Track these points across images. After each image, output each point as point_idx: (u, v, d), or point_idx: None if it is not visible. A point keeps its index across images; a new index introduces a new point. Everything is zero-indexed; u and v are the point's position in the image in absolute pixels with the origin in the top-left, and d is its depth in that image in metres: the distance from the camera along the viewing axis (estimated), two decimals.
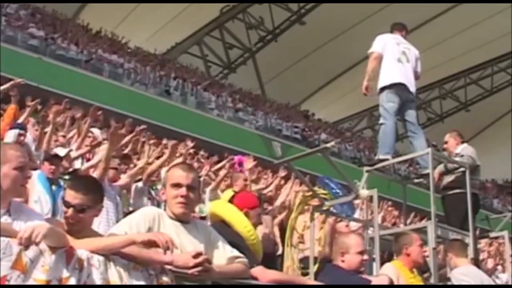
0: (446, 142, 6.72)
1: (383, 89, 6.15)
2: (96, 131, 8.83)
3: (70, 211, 2.74)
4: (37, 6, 21.51)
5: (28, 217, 2.58)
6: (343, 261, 3.78)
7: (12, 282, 2.20)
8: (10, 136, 6.93)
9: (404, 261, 4.40)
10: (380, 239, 5.37)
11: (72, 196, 2.75)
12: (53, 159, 6.07)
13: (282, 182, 8.84)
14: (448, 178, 6.37)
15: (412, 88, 6.24)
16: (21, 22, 18.53)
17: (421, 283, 4.49)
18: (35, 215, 2.69)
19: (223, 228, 3.22)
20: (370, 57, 6.23)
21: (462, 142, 6.70)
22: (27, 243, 2.22)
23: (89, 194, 2.78)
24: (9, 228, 2.39)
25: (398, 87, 6.11)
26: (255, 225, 3.44)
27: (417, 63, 6.40)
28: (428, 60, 24.57)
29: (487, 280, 4.75)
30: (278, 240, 7.02)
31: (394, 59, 6.18)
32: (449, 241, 5.23)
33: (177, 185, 2.86)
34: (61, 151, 6.57)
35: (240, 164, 9.39)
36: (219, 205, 3.64)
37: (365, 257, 3.84)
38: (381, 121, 6.20)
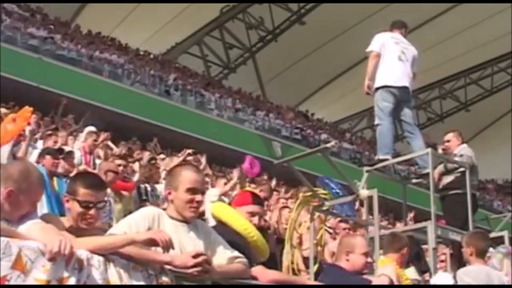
0: (448, 141, 6.66)
1: (378, 87, 6.13)
2: (90, 128, 8.84)
3: (93, 211, 2.72)
4: (37, 6, 21.50)
5: (18, 221, 2.56)
6: (347, 260, 3.78)
7: (12, 282, 2.20)
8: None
9: (398, 260, 4.38)
10: (380, 239, 5.38)
11: (94, 195, 2.73)
12: (56, 153, 6.19)
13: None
14: (446, 179, 6.36)
15: (409, 86, 6.23)
16: (21, 22, 18.53)
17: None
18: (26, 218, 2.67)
19: (223, 228, 3.23)
20: (370, 57, 6.21)
21: (462, 143, 6.69)
22: (58, 256, 2.25)
23: (103, 189, 2.84)
24: (9, 229, 2.38)
25: (393, 86, 6.09)
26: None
27: (414, 62, 6.37)
28: (428, 60, 24.55)
29: (496, 278, 4.60)
30: None
31: (395, 58, 6.15)
32: (474, 233, 4.93)
33: (193, 190, 2.87)
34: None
35: (252, 165, 9.26)
36: (217, 207, 3.66)
37: (369, 259, 3.84)
38: (376, 121, 6.17)
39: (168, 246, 2.54)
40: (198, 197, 2.87)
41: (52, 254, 2.24)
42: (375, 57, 6.15)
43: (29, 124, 6.80)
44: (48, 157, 6.23)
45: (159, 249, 2.67)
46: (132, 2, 25.75)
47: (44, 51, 17.99)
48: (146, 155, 8.97)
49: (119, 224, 2.85)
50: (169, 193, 2.94)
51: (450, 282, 4.54)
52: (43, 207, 5.31)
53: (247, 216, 3.40)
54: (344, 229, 7.10)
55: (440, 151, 6.78)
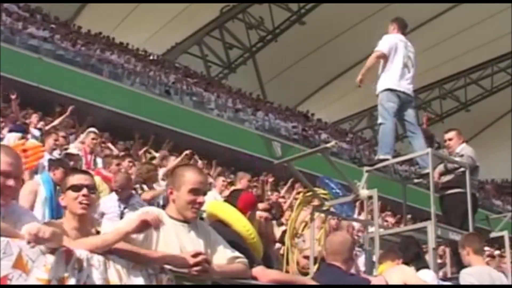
0: (450, 139, 6.66)
1: (383, 89, 6.18)
2: (92, 129, 8.85)
3: (85, 190, 2.79)
4: (37, 6, 21.51)
5: (18, 217, 2.58)
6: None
7: (14, 282, 2.20)
8: (10, 140, 6.90)
9: None
10: (380, 239, 5.38)
11: (83, 178, 2.85)
12: (68, 167, 6.20)
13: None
14: (445, 178, 6.36)
15: (412, 92, 6.30)
16: (21, 22, 18.54)
17: None
18: (26, 214, 2.69)
19: (222, 228, 3.22)
20: (374, 54, 6.22)
21: (462, 142, 6.69)
22: (35, 240, 2.24)
23: (91, 176, 2.95)
24: (9, 229, 2.39)
25: (399, 90, 6.15)
26: (254, 225, 3.44)
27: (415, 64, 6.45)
28: (428, 60, 24.53)
29: (498, 279, 4.64)
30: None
31: (402, 64, 6.20)
32: (467, 235, 5.04)
33: (196, 191, 2.87)
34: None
35: None
36: (216, 205, 3.64)
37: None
38: (380, 120, 6.21)
39: (158, 223, 2.62)
40: (200, 198, 2.87)
41: (30, 236, 2.24)
42: (380, 58, 6.18)
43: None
44: (61, 169, 6.15)
45: (159, 249, 2.69)
46: (132, 2, 25.76)
47: (44, 51, 18.01)
48: (148, 156, 8.98)
49: (118, 224, 2.85)
50: (171, 193, 2.94)
51: (433, 278, 4.57)
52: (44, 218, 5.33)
53: (255, 218, 3.46)
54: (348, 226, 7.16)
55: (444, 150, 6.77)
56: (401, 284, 4.06)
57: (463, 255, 4.70)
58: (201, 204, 2.87)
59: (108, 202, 6.23)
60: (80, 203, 2.77)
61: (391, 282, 3.90)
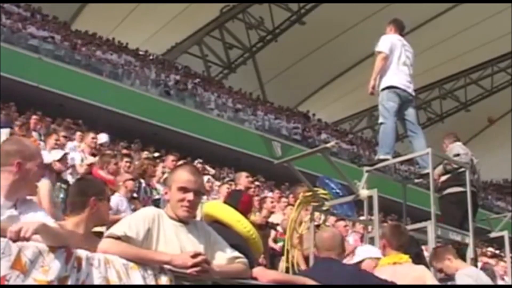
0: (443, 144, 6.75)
1: (384, 88, 6.17)
2: (103, 136, 8.86)
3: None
4: (37, 6, 21.52)
5: (34, 212, 2.60)
6: None
7: (12, 282, 2.19)
8: (2, 135, 6.88)
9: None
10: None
11: (107, 188, 3.22)
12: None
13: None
14: (443, 179, 6.36)
15: (412, 91, 6.30)
16: (21, 22, 18.54)
17: None
18: (39, 209, 2.69)
19: (222, 229, 3.21)
20: (379, 57, 6.19)
21: (454, 142, 6.65)
22: (16, 237, 2.23)
23: None
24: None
25: (399, 88, 6.15)
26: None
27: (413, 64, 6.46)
28: (428, 60, 24.54)
29: (486, 280, 4.73)
30: None
31: (401, 62, 6.20)
32: (437, 248, 5.09)
33: (185, 189, 2.83)
34: (57, 154, 6.58)
35: None
36: (214, 206, 3.61)
37: None
38: (380, 120, 6.21)
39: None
40: (189, 196, 2.82)
41: (12, 234, 2.23)
42: (385, 59, 6.15)
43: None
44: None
45: (159, 249, 2.68)
46: (132, 2, 25.76)
47: (44, 51, 18.01)
48: (144, 154, 8.97)
49: (118, 224, 2.82)
50: (166, 193, 2.95)
51: (377, 253, 4.57)
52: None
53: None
54: (345, 226, 7.15)
55: None
56: (403, 284, 4.05)
57: (446, 265, 4.72)
58: (191, 202, 2.82)
59: (117, 200, 6.26)
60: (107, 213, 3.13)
61: (404, 280, 3.88)
